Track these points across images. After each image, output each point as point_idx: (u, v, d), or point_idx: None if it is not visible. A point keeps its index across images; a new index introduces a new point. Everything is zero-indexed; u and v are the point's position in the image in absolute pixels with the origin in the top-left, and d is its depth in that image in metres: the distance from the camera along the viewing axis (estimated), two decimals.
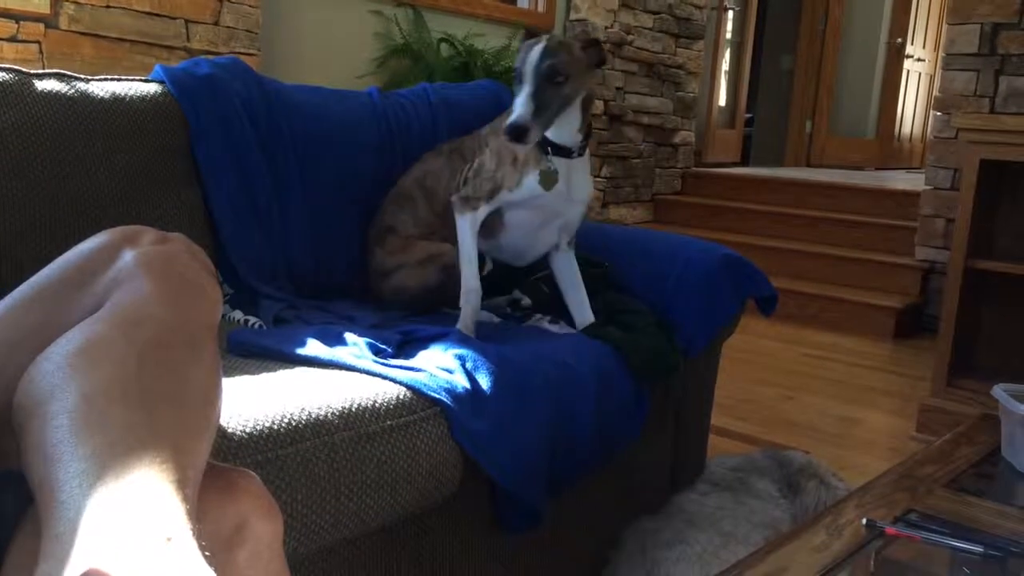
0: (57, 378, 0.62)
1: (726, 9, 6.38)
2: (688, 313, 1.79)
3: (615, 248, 1.93)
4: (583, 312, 1.70)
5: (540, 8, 4.71)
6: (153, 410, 0.61)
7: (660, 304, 1.80)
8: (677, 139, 5.72)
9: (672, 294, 1.81)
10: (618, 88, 5.09)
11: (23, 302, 0.77)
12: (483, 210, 1.61)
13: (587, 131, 1.59)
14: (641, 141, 5.40)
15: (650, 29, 5.28)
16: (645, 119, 5.36)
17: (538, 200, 1.59)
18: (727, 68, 6.82)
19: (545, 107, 1.44)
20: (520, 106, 1.42)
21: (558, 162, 1.56)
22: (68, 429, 0.58)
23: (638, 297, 1.82)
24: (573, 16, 4.82)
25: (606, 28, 4.91)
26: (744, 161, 7.22)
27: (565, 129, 1.55)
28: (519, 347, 1.47)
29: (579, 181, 1.62)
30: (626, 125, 5.23)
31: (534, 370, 1.39)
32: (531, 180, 1.57)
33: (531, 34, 1.55)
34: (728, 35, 6.65)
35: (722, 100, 6.77)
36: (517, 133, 1.40)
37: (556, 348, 1.51)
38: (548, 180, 1.56)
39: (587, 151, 1.61)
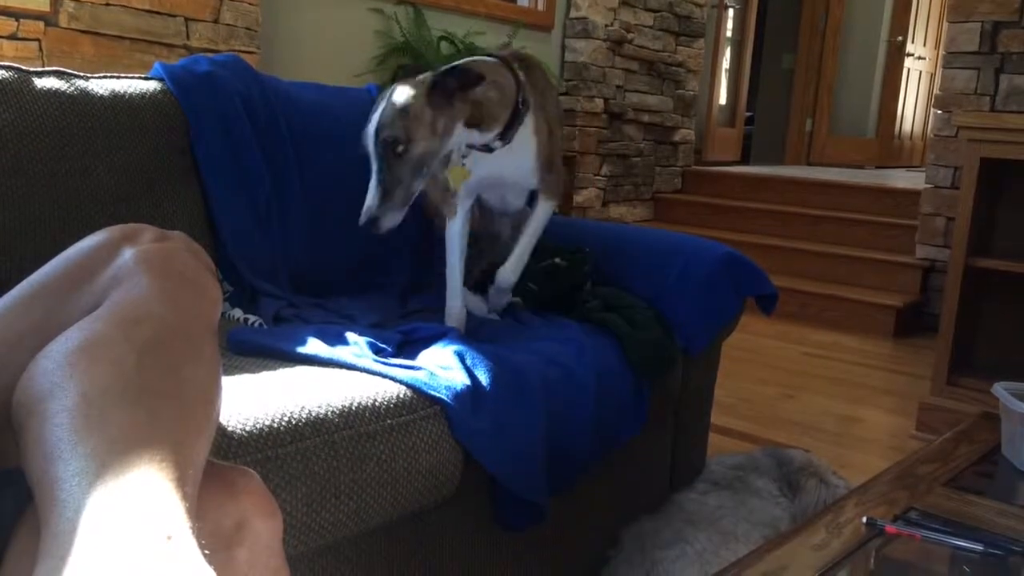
0: (57, 376, 0.62)
1: (726, 7, 6.37)
2: (688, 312, 1.79)
3: (614, 246, 1.93)
4: (510, 262, 1.65)
5: (540, 6, 4.70)
6: (153, 409, 0.61)
7: (660, 302, 1.80)
8: (677, 137, 5.72)
9: (672, 293, 1.81)
10: (618, 86, 5.09)
11: (22, 300, 0.77)
12: (459, 211, 1.63)
13: (508, 121, 1.49)
14: (641, 139, 5.40)
15: (650, 27, 5.28)
16: (645, 117, 5.36)
17: (479, 183, 1.60)
18: (727, 66, 6.82)
19: (396, 183, 1.35)
20: (369, 193, 1.35)
21: (481, 156, 1.54)
22: (68, 427, 0.58)
23: (637, 296, 1.82)
24: (573, 14, 4.81)
25: (606, 26, 4.91)
26: (744, 160, 7.22)
27: (469, 139, 1.48)
28: (518, 346, 1.48)
29: (514, 154, 1.54)
30: (626, 123, 5.23)
31: (532, 368, 1.39)
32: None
33: (406, 71, 1.44)
34: (728, 33, 6.65)
35: (722, 98, 6.76)
36: (368, 226, 1.35)
37: (555, 346, 1.51)
38: (457, 177, 1.56)
39: (519, 130, 1.51)
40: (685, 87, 5.67)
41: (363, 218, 1.34)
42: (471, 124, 1.45)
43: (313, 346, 1.34)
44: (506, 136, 1.51)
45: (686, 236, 1.97)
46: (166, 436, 0.60)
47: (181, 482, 0.57)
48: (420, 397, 1.25)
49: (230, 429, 1.03)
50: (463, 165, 1.54)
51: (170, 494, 0.55)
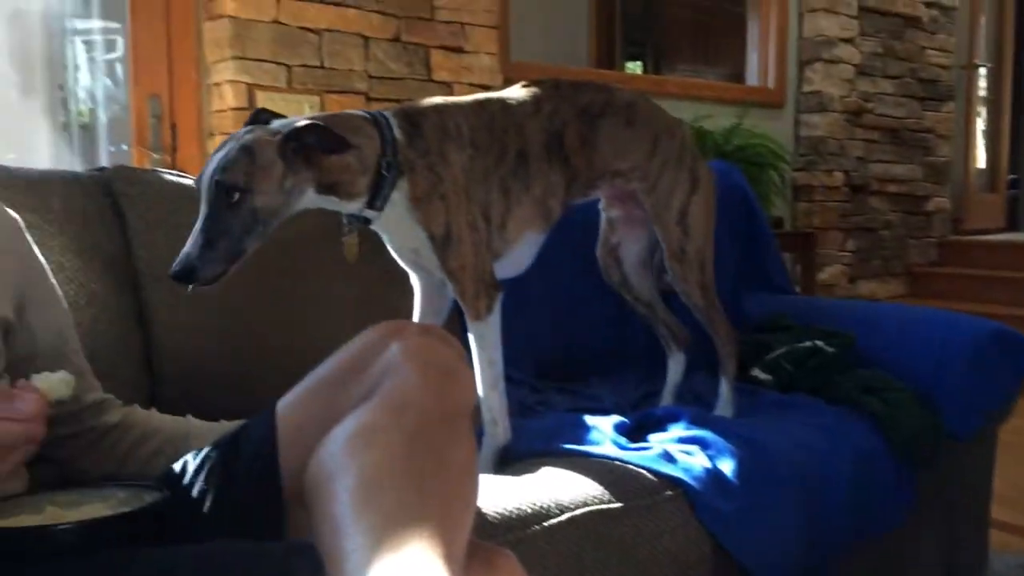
0: (338, 459, 0.70)
1: (976, 67, 5.97)
2: (954, 393, 1.65)
3: (866, 325, 1.83)
4: (482, 399, 1.38)
5: (770, 83, 4.65)
6: (422, 488, 0.68)
7: (921, 383, 1.67)
8: (930, 206, 5.36)
9: (935, 373, 1.68)
10: (859, 158, 4.88)
11: (308, 392, 0.88)
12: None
13: (372, 189, 1.28)
14: (888, 211, 5.12)
15: (892, 95, 5.05)
16: (892, 188, 5.09)
17: (405, 262, 1.44)
18: (984, 128, 6.34)
19: (223, 234, 1.14)
20: (189, 239, 1.15)
21: (377, 224, 1.35)
22: (349, 504, 0.65)
23: (895, 376, 1.71)
24: (806, 88, 4.71)
25: (842, 97, 4.76)
26: (1011, 226, 6.60)
27: (326, 205, 1.29)
28: (766, 428, 1.43)
29: (400, 224, 1.33)
30: (870, 195, 4.99)
31: (781, 450, 1.35)
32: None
33: (258, 118, 1.26)
34: (982, 93, 6.20)
35: (980, 162, 6.27)
36: (181, 275, 1.13)
37: (807, 430, 1.46)
38: (350, 250, 1.37)
39: (393, 196, 1.29)
40: (935, 153, 5.33)
41: (176, 266, 1.13)
42: (324, 190, 1.25)
43: (554, 440, 1.37)
44: (374, 204, 1.29)
45: (947, 312, 1.84)
46: (435, 514, 0.65)
47: (449, 558, 0.62)
48: (661, 480, 1.25)
49: (480, 511, 1.08)
50: (349, 237, 1.35)
51: (440, 569, 0.60)
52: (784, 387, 1.72)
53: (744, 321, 1.95)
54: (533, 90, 1.47)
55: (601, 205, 1.69)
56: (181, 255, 1.14)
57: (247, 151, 1.16)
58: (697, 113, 4.17)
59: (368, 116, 1.31)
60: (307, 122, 1.19)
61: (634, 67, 5.90)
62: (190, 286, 1.14)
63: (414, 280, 1.46)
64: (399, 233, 1.36)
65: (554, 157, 1.45)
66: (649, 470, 1.26)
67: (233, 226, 1.15)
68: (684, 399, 1.68)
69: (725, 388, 1.63)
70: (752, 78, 4.68)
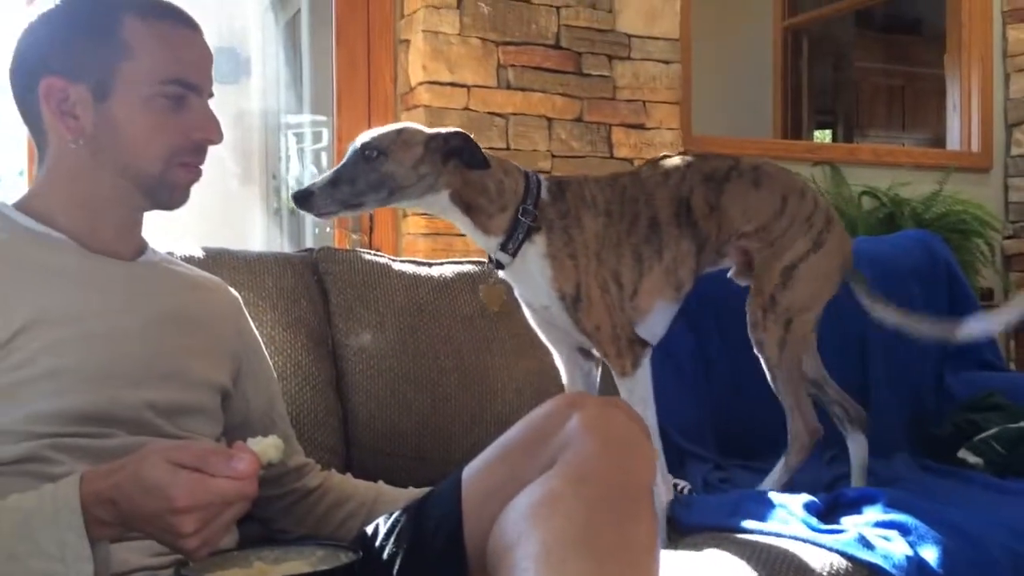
0: (521, 527, 0.72)
1: None
2: None
3: None
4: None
5: (974, 148, 4.38)
6: (603, 561, 0.68)
7: None
8: None
9: None
10: None
11: (491, 461, 0.92)
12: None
13: (508, 231, 1.37)
14: None
15: None
16: None
17: (536, 320, 1.49)
18: None
19: (348, 181, 1.30)
20: (322, 175, 1.32)
21: (509, 271, 1.42)
22: (532, 573, 0.66)
23: None
24: (1015, 152, 4.40)
25: None
26: None
27: (460, 224, 1.40)
28: (973, 513, 1.33)
29: (530, 278, 1.40)
30: None
31: (993, 539, 1.25)
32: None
33: None
34: None
35: None
36: (298, 197, 1.29)
37: (1020, 514, 1.33)
38: (492, 298, 1.48)
39: (527, 247, 1.38)
40: None
41: (300, 189, 1.30)
42: (461, 203, 1.37)
43: (736, 516, 1.33)
44: (507, 247, 1.38)
45: None
46: None
47: None
48: (856, 565, 1.18)
49: None
50: (492, 283, 1.46)
51: None
52: (996, 470, 1.61)
53: (950, 400, 1.84)
54: (661, 164, 1.56)
55: (730, 273, 1.64)
56: (308, 184, 1.32)
57: (399, 130, 1.35)
58: (894, 180, 3.99)
59: (522, 169, 1.44)
60: (457, 130, 1.34)
61: (823, 136, 5.74)
62: (303, 212, 1.31)
63: (556, 356, 1.52)
64: (531, 287, 1.43)
65: (683, 223, 1.49)
66: (843, 554, 1.19)
67: (359, 178, 1.31)
68: (880, 482, 1.58)
69: (777, 470, 1.54)
70: (953, 142, 4.43)
